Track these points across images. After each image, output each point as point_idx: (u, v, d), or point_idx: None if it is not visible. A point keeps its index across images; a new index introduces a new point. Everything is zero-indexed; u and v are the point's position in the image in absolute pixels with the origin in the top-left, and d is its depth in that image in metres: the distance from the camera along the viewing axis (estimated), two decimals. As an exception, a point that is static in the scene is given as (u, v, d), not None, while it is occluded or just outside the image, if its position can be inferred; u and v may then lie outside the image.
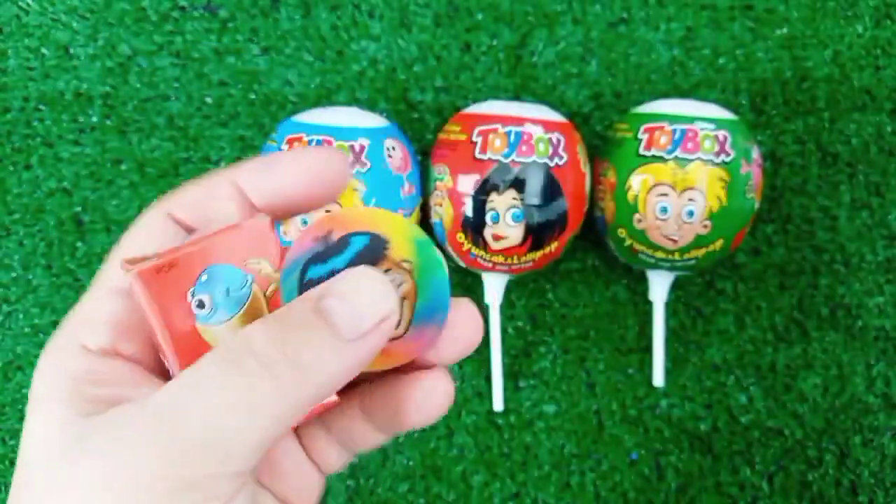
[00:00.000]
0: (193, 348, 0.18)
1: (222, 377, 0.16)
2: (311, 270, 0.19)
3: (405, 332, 0.19)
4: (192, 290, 0.18)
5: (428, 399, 0.21)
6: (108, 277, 0.19)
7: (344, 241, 0.19)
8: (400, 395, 0.21)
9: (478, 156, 0.38)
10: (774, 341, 0.45)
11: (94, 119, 0.44)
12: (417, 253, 0.19)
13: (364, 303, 0.17)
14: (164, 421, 0.16)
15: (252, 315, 0.19)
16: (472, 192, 0.38)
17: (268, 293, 0.19)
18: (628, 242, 0.40)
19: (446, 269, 0.19)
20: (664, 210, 0.38)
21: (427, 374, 0.21)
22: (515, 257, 0.39)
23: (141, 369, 0.19)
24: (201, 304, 0.19)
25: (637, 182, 0.38)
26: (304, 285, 0.19)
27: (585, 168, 0.40)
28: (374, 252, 0.19)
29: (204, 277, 0.19)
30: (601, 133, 0.45)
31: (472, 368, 0.45)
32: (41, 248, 0.44)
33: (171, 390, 0.17)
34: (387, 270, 0.19)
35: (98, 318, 0.19)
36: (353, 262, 0.19)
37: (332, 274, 0.18)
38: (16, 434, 0.44)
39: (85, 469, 0.16)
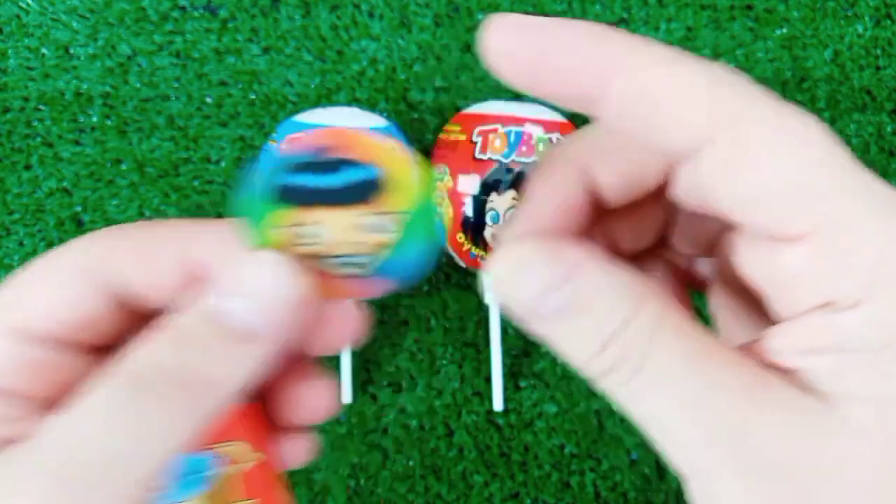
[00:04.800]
0: None
1: (127, 404, 0.15)
2: (289, 176, 0.17)
3: (365, 276, 0.17)
4: None
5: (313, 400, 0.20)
6: (9, 320, 0.16)
7: (341, 163, 0.17)
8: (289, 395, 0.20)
9: (478, 156, 0.38)
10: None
11: (94, 119, 0.44)
12: (416, 212, 0.17)
13: (257, 293, 0.16)
14: (58, 465, 0.14)
15: (220, 494, 0.18)
16: (472, 192, 0.38)
17: (238, 470, 0.19)
18: (628, 242, 0.40)
19: (435, 240, 0.18)
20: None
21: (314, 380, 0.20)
22: (515, 257, 0.39)
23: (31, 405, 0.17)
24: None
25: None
26: (275, 186, 0.17)
27: (585, 168, 0.40)
28: (366, 190, 0.17)
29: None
30: (601, 133, 0.45)
31: (472, 368, 0.45)
32: (41, 248, 0.44)
33: (65, 427, 0.14)
34: (376, 213, 0.17)
35: None
36: (341, 190, 0.17)
37: (305, 189, 0.17)
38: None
39: None
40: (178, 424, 0.15)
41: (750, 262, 0.15)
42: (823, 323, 0.14)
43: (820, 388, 0.14)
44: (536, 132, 0.38)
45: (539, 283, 0.15)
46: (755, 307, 0.18)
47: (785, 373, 0.14)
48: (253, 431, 0.19)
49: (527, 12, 0.44)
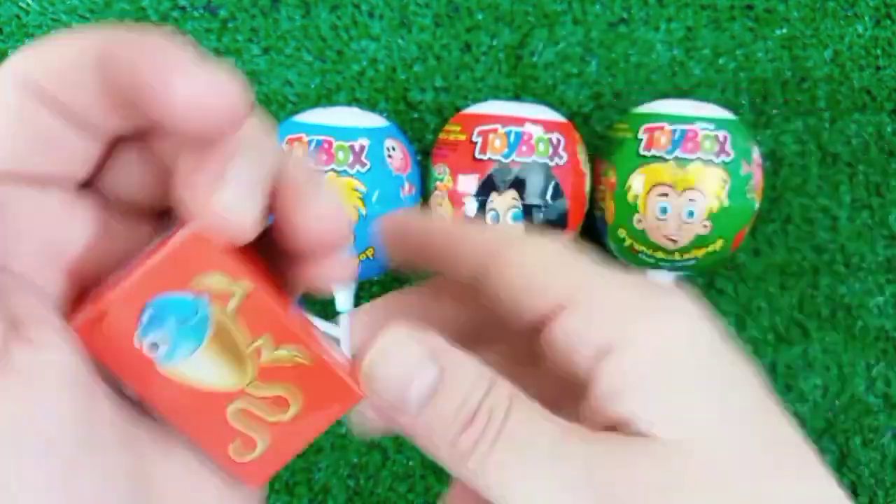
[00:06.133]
0: (172, 396, 0.16)
1: None
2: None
3: None
4: (136, 334, 0.15)
5: None
6: None
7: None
8: None
9: (478, 156, 0.38)
10: (775, 342, 0.45)
11: (94, 119, 0.44)
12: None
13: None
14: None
15: (222, 337, 0.16)
16: (472, 192, 0.38)
17: (229, 309, 0.16)
18: (628, 242, 0.40)
19: None
20: (664, 210, 0.38)
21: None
22: (515, 257, 0.39)
23: None
24: (155, 345, 0.16)
25: (637, 182, 0.38)
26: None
27: (585, 168, 0.40)
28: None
29: (145, 318, 0.15)
30: (601, 133, 0.45)
31: (472, 368, 0.45)
32: (41, 248, 0.44)
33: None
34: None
35: None
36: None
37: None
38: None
39: None
40: None
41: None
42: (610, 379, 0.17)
43: (638, 426, 0.16)
44: (536, 132, 0.38)
45: (410, 360, 0.17)
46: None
47: (615, 426, 0.17)
48: (225, 258, 0.15)
49: (526, 12, 0.44)
